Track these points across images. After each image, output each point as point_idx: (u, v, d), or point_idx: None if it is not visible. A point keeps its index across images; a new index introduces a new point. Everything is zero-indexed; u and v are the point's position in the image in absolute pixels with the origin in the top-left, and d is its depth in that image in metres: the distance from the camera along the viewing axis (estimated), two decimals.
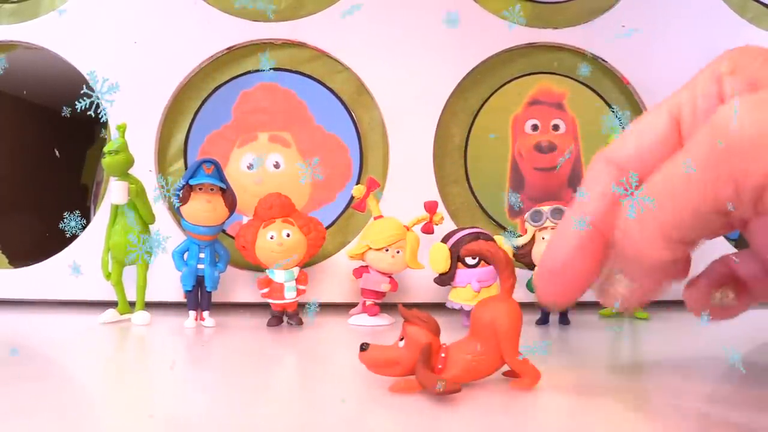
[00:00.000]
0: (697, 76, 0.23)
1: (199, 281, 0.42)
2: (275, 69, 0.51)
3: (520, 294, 0.44)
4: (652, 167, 0.22)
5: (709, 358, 0.35)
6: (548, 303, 0.26)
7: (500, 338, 0.26)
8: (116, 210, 0.42)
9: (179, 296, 0.44)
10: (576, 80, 0.53)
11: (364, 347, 0.27)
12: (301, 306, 0.43)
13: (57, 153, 0.45)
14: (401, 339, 0.27)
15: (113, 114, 0.48)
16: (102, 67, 0.48)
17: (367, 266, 0.44)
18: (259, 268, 0.44)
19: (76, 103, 0.32)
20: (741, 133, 0.19)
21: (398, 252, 0.43)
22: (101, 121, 0.32)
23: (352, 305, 0.45)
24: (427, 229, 0.44)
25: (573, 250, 0.24)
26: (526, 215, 0.43)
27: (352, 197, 0.46)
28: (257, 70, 0.51)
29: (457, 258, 0.42)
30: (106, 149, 0.41)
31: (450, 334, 0.41)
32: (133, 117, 0.46)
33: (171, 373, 0.32)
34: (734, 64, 0.22)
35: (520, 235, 0.44)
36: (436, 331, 0.27)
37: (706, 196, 0.20)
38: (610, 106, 0.53)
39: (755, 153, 0.19)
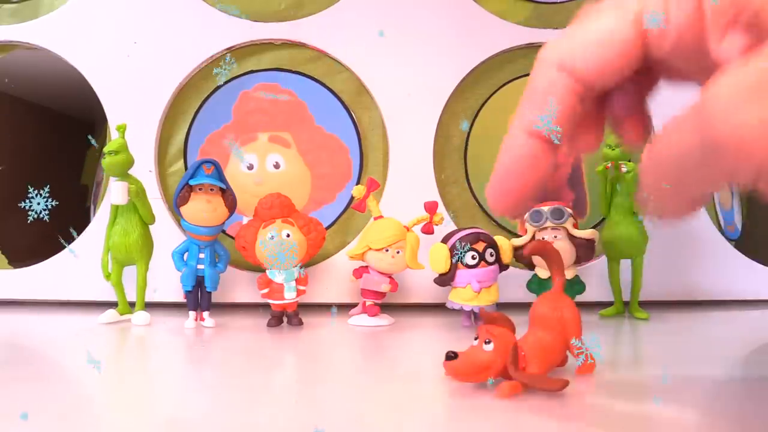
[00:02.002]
0: None
1: (199, 281, 0.42)
2: (275, 69, 0.51)
3: (521, 294, 0.44)
4: (612, 82, 0.21)
5: (709, 358, 0.35)
6: (496, 211, 0.25)
7: (568, 329, 0.28)
8: (116, 210, 0.42)
9: (179, 296, 0.44)
10: None
11: (451, 356, 0.25)
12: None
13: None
14: (487, 342, 0.26)
15: (113, 114, 0.48)
16: (102, 67, 0.49)
17: (367, 266, 0.44)
18: (259, 269, 0.44)
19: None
20: (731, 132, 0.17)
21: (398, 252, 0.43)
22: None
23: (352, 305, 0.45)
24: (427, 230, 0.44)
25: (519, 159, 0.23)
26: (526, 215, 0.43)
27: (352, 197, 0.46)
28: (257, 70, 0.51)
29: (457, 258, 0.41)
30: (105, 149, 0.41)
31: (450, 334, 0.41)
32: (133, 117, 0.46)
33: (171, 373, 0.32)
34: None
35: (520, 236, 0.44)
36: (515, 331, 0.27)
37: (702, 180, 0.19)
38: None
39: (747, 153, 0.17)
